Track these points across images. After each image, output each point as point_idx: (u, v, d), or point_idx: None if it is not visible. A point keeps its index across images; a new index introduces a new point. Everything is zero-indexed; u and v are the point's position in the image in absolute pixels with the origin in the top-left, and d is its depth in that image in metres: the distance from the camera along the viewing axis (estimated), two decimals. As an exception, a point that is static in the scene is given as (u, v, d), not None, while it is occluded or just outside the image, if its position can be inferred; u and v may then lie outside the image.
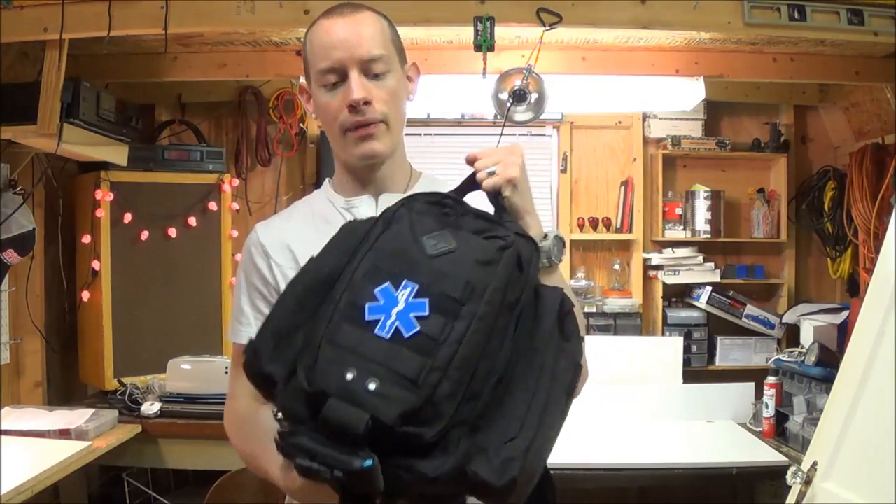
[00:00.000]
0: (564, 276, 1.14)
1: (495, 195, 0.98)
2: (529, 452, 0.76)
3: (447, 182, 1.12)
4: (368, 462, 0.73)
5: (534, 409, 0.78)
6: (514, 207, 0.99)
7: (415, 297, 0.81)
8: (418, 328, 0.79)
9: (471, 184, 1.02)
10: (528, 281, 0.87)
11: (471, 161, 1.02)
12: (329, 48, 1.10)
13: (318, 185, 1.31)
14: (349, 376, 0.76)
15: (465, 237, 0.88)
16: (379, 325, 0.80)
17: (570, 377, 0.83)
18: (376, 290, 0.82)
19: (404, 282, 0.82)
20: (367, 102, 1.09)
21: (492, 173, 0.99)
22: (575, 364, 0.84)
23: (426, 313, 0.80)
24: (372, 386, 0.76)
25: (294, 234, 1.18)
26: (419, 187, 1.19)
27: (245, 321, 1.17)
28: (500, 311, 0.82)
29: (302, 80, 1.21)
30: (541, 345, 0.83)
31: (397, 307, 0.81)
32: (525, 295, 0.85)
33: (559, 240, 1.03)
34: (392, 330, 0.79)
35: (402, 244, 0.87)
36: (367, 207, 1.17)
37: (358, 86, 1.09)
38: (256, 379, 0.87)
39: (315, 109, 1.17)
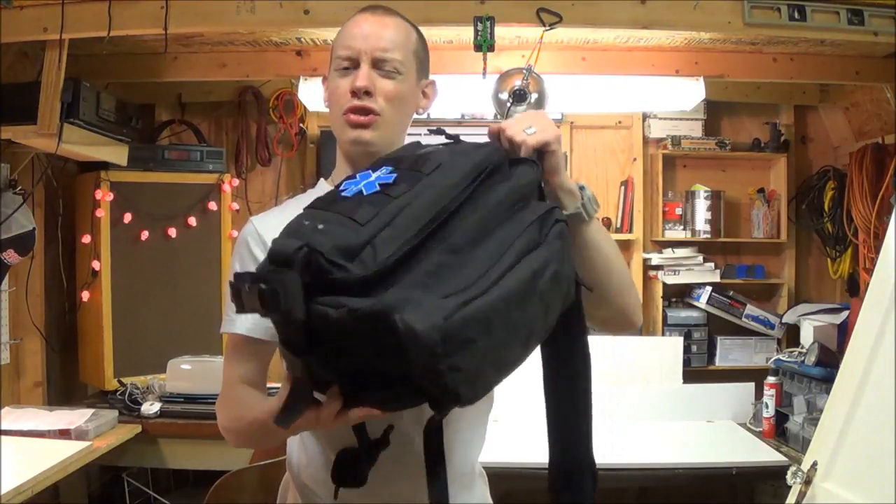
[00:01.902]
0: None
1: (536, 153, 1.00)
2: (463, 308, 0.74)
3: None
4: (289, 272, 0.73)
5: (483, 280, 0.78)
6: (556, 163, 1.01)
7: (387, 173, 0.87)
8: (378, 189, 0.84)
9: None
10: (517, 188, 0.90)
11: (495, 132, 1.02)
12: (350, 38, 1.16)
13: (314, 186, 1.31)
14: (305, 223, 0.80)
15: (454, 145, 0.94)
16: (346, 191, 0.86)
17: (535, 267, 0.82)
18: (358, 174, 0.89)
19: (383, 166, 0.89)
20: (367, 92, 1.13)
21: (531, 134, 1.00)
22: (546, 264, 0.84)
23: (390, 181, 0.85)
24: (320, 226, 0.79)
25: None
26: None
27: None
28: (469, 198, 0.85)
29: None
30: (512, 236, 0.84)
31: (368, 179, 0.87)
32: (507, 196, 0.88)
33: (590, 191, 1.07)
34: (356, 192, 0.84)
35: (398, 153, 0.94)
36: None
37: (364, 75, 1.13)
38: None
39: (326, 95, 1.21)
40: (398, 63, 1.15)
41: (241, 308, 0.77)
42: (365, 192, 0.84)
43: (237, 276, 0.78)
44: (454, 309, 0.73)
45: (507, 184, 0.89)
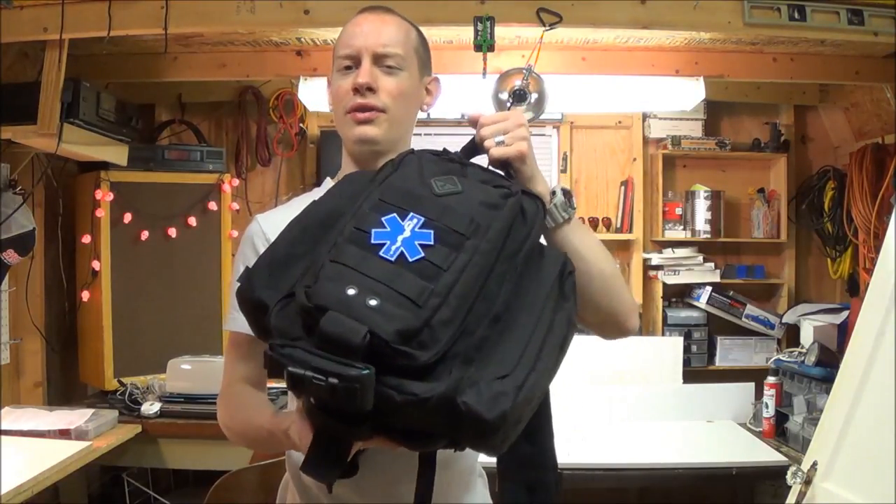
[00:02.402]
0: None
1: (502, 163, 1.01)
2: (521, 391, 0.76)
3: None
4: (365, 371, 0.72)
5: (528, 353, 0.80)
6: (523, 177, 1.02)
7: (421, 228, 0.84)
8: (422, 254, 0.81)
9: (474, 148, 1.04)
10: (532, 235, 0.90)
11: (474, 121, 1.05)
12: (351, 37, 1.17)
13: (318, 184, 1.31)
14: (350, 292, 0.77)
15: (472, 183, 0.93)
16: (384, 249, 0.82)
17: (564, 331, 0.86)
18: (383, 219, 0.85)
19: (411, 214, 0.85)
20: (370, 88, 1.14)
21: (500, 143, 1.01)
22: (570, 322, 0.88)
23: (431, 243, 0.82)
24: (372, 302, 0.76)
25: None
26: None
27: None
28: (500, 254, 0.85)
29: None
30: (541, 296, 0.85)
31: (403, 234, 0.83)
32: (527, 246, 0.89)
33: (567, 193, 1.05)
34: (397, 254, 0.81)
35: (409, 183, 0.91)
36: None
37: (366, 71, 1.14)
38: (248, 304, 0.88)
39: (330, 98, 1.21)
40: (399, 58, 1.16)
41: (297, 392, 0.79)
42: (409, 258, 0.81)
43: (285, 353, 0.75)
44: (514, 394, 0.76)
45: (524, 229, 0.90)
